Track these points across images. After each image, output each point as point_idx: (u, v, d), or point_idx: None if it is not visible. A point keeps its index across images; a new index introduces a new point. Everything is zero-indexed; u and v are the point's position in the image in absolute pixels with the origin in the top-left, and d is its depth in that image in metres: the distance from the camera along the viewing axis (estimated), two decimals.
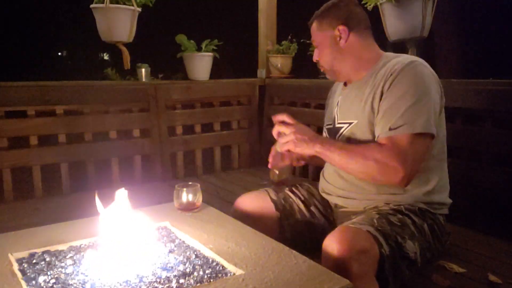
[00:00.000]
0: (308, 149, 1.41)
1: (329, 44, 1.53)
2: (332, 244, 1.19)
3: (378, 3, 2.19)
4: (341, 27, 1.50)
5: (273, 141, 1.55)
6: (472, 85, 1.94)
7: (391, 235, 1.27)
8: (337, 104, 1.60)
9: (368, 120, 1.42)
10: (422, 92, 1.33)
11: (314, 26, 1.58)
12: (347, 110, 1.53)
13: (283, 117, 1.49)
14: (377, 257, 1.20)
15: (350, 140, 1.47)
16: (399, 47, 2.34)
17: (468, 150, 1.90)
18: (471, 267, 1.40)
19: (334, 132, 1.56)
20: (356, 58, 1.52)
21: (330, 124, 1.61)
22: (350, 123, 1.49)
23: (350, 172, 1.43)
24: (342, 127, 1.52)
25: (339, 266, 1.14)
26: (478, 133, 1.86)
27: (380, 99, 1.39)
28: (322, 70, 1.66)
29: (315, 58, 1.62)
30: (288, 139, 1.43)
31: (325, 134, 1.65)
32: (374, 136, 1.41)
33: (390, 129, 1.32)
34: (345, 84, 1.62)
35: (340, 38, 1.51)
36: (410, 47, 2.25)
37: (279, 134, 1.48)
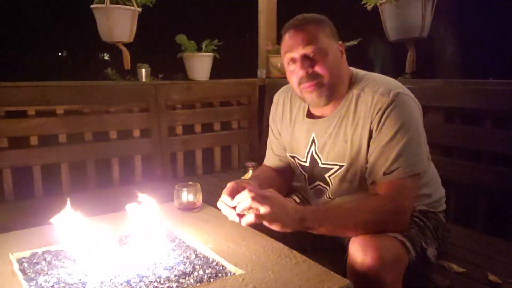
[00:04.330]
0: (289, 228, 1.14)
1: (336, 55, 1.32)
2: (361, 252, 1.11)
3: (378, 3, 2.20)
4: (340, 42, 1.36)
5: None
6: (471, 85, 1.94)
7: (416, 241, 1.24)
8: (313, 140, 1.41)
9: (359, 163, 1.32)
10: (412, 129, 1.24)
11: (317, 29, 1.30)
12: (331, 151, 1.37)
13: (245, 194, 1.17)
14: (406, 264, 1.17)
15: (341, 183, 1.37)
16: (399, 46, 2.35)
17: (468, 150, 1.90)
18: (471, 267, 1.40)
19: (319, 172, 1.42)
20: (344, 81, 1.35)
21: (305, 162, 1.45)
22: (340, 166, 1.35)
23: (357, 234, 1.17)
24: (331, 169, 1.38)
25: (372, 276, 1.08)
26: (478, 133, 1.86)
27: (369, 139, 1.27)
28: (311, 89, 1.30)
29: (307, 69, 1.29)
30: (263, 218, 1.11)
31: (299, 170, 1.50)
32: (365, 178, 1.31)
33: (384, 173, 1.23)
34: (307, 115, 1.44)
35: (342, 53, 1.36)
36: (409, 47, 2.26)
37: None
